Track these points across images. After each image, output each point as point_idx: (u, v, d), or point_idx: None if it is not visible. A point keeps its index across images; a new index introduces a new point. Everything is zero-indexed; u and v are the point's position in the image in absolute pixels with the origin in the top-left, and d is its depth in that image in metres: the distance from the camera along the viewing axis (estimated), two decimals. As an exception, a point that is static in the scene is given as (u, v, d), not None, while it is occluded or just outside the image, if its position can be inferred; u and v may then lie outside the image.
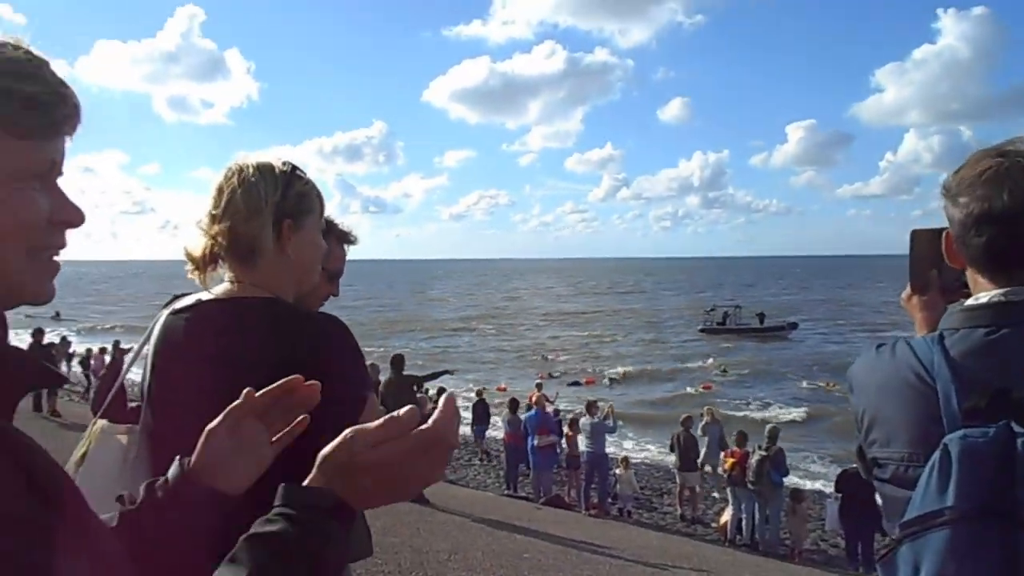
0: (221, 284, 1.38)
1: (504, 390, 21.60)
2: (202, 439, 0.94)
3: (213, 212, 1.36)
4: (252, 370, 1.25)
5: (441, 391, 15.54)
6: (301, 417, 0.99)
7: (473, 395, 17.84)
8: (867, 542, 9.49)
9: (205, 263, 1.37)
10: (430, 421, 0.77)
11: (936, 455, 1.00)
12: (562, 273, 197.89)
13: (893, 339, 1.21)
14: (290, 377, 0.98)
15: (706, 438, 13.01)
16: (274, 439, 0.97)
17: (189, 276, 1.38)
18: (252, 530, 0.73)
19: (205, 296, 1.38)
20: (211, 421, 0.99)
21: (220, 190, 1.36)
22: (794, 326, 43.18)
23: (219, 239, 1.35)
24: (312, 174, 1.47)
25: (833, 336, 43.36)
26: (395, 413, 0.78)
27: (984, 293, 1.12)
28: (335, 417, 1.25)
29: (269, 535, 0.71)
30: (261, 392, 0.97)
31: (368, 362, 1.79)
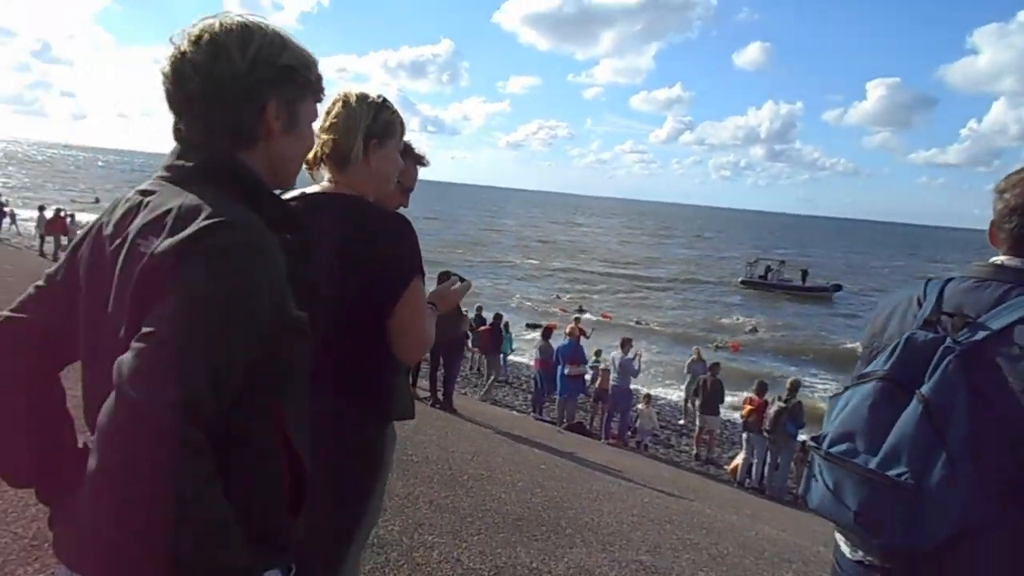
0: (323, 182, 1.84)
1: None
2: None
3: (322, 125, 1.80)
4: (340, 246, 1.71)
5: (499, 317, 16.34)
6: None
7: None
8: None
9: (314, 164, 1.82)
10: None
11: (896, 341, 1.52)
12: (619, 213, 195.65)
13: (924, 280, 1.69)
14: None
15: (689, 375, 14.96)
16: None
17: (305, 172, 1.83)
18: None
19: (309, 189, 1.84)
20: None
21: (328, 110, 1.80)
22: (838, 288, 41.43)
23: (324, 148, 1.79)
24: (374, 87, 1.92)
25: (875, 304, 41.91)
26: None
27: (994, 258, 1.59)
28: (392, 288, 1.72)
29: None
30: None
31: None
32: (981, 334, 1.42)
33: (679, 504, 7.27)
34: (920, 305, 1.57)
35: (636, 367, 13.41)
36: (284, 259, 1.15)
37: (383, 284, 1.72)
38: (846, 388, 1.58)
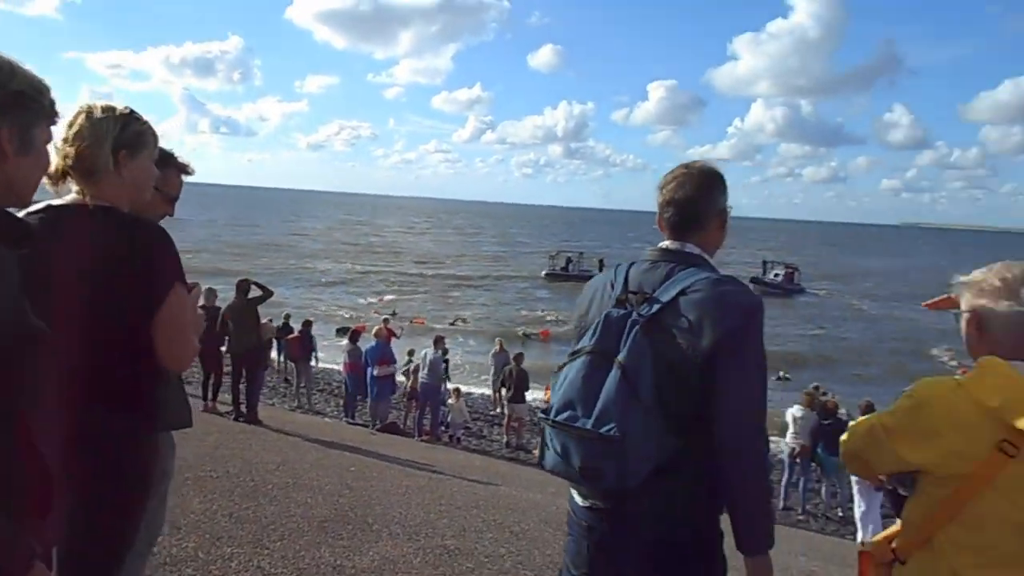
0: (69, 194, 1.80)
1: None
2: None
3: (64, 138, 1.77)
4: (91, 256, 1.71)
5: (308, 323, 15.92)
6: None
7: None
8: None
9: (58, 178, 1.78)
10: None
11: (597, 319, 1.81)
12: (428, 212, 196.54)
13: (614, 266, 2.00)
14: None
15: (493, 366, 16.17)
16: None
17: (47, 187, 1.79)
18: None
19: (55, 202, 1.80)
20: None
21: (71, 123, 1.78)
22: None
23: (68, 160, 1.77)
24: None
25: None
26: None
27: (661, 243, 1.93)
28: (151, 296, 1.74)
29: None
30: None
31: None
32: (656, 306, 1.76)
33: (487, 490, 7.59)
34: (613, 287, 1.89)
35: (443, 368, 13.74)
36: (17, 271, 1.19)
37: (142, 293, 1.74)
38: (563, 364, 1.85)
